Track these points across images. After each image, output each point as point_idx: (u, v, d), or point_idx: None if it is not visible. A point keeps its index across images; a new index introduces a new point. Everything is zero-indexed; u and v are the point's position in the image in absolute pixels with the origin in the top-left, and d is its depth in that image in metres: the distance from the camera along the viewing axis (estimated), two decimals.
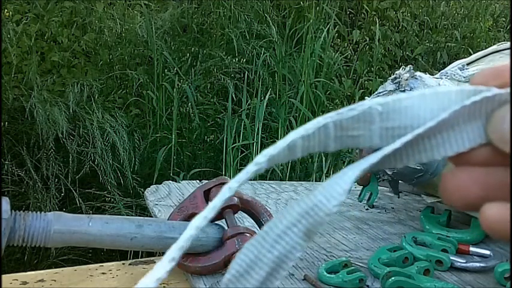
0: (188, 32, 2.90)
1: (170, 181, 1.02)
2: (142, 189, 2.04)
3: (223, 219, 0.72)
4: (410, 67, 0.86)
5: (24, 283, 0.68)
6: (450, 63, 0.96)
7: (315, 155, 2.40)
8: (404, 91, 0.84)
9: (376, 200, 0.95)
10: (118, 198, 2.20)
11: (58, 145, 2.26)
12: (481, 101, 0.27)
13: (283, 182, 1.13)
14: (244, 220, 0.82)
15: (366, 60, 3.18)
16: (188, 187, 0.99)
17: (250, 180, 2.20)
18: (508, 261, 0.73)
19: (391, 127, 0.28)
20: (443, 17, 3.65)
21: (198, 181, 1.02)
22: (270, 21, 2.89)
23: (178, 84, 2.58)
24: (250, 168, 0.27)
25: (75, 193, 2.17)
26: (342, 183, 0.27)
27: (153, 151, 2.50)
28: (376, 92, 0.90)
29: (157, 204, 0.91)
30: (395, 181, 0.94)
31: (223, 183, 0.74)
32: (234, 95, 2.56)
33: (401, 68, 0.87)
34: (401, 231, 0.86)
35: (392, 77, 0.87)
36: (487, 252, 0.77)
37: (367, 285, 0.69)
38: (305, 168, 2.47)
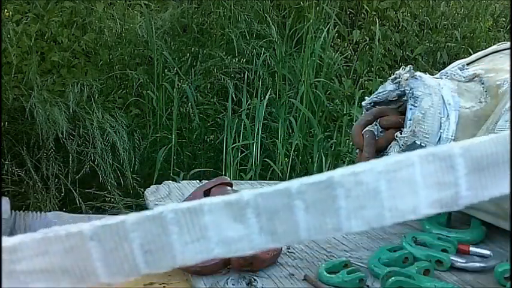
0: (188, 32, 2.90)
1: (170, 181, 1.02)
2: (142, 189, 2.04)
3: None
4: (410, 67, 0.86)
5: None
6: (450, 63, 0.96)
7: (314, 155, 2.40)
8: (404, 91, 0.84)
9: None
10: (118, 198, 2.20)
11: (58, 145, 2.25)
12: None
13: (283, 182, 1.13)
14: None
15: (366, 60, 3.18)
16: (188, 187, 0.99)
17: (250, 180, 2.20)
18: (508, 261, 0.73)
19: None
20: (443, 17, 3.65)
21: (198, 181, 1.02)
22: (270, 21, 2.88)
23: (178, 84, 2.58)
24: None
25: (75, 193, 2.17)
26: None
27: (153, 151, 2.49)
28: (376, 92, 0.90)
29: (157, 204, 0.90)
30: None
31: (223, 183, 0.74)
32: (234, 95, 2.56)
33: (401, 68, 0.87)
34: (401, 231, 0.86)
35: (393, 77, 0.87)
36: (487, 252, 0.77)
37: (367, 285, 0.69)
38: (305, 168, 2.47)
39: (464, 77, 0.88)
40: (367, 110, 0.90)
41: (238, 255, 0.61)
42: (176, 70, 2.65)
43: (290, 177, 2.35)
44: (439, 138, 0.81)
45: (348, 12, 3.52)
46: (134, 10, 3.00)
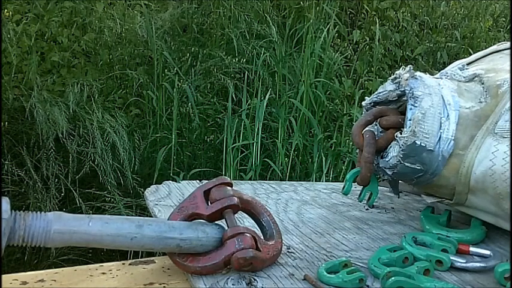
0: (188, 32, 2.91)
1: (170, 181, 1.02)
2: (142, 189, 2.04)
3: (223, 219, 0.72)
4: (410, 67, 0.86)
5: (24, 283, 0.68)
6: (450, 63, 0.96)
7: (315, 155, 2.40)
8: (404, 91, 0.84)
9: (376, 200, 0.95)
10: (118, 198, 2.20)
11: (58, 145, 2.26)
12: None
13: (283, 182, 1.13)
14: (244, 220, 0.82)
15: (366, 60, 3.18)
16: (188, 187, 0.99)
17: (250, 180, 2.21)
18: (508, 261, 0.73)
19: None
20: (443, 17, 3.65)
21: (198, 181, 1.02)
22: (270, 21, 2.89)
23: (178, 84, 2.58)
24: None
25: (75, 193, 2.17)
26: None
27: (153, 151, 2.50)
28: (376, 92, 0.90)
29: (157, 204, 0.91)
30: (395, 181, 0.94)
31: (223, 183, 0.74)
32: (234, 95, 2.56)
33: (401, 68, 0.87)
34: (401, 231, 0.86)
35: (393, 77, 0.87)
36: (487, 252, 0.77)
37: (367, 285, 0.69)
38: (305, 168, 2.47)
39: (464, 77, 0.88)
40: (367, 110, 0.90)
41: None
42: (176, 70, 2.65)
43: (290, 177, 2.35)
44: (439, 138, 0.81)
45: (348, 12, 3.52)
46: (134, 10, 3.00)
